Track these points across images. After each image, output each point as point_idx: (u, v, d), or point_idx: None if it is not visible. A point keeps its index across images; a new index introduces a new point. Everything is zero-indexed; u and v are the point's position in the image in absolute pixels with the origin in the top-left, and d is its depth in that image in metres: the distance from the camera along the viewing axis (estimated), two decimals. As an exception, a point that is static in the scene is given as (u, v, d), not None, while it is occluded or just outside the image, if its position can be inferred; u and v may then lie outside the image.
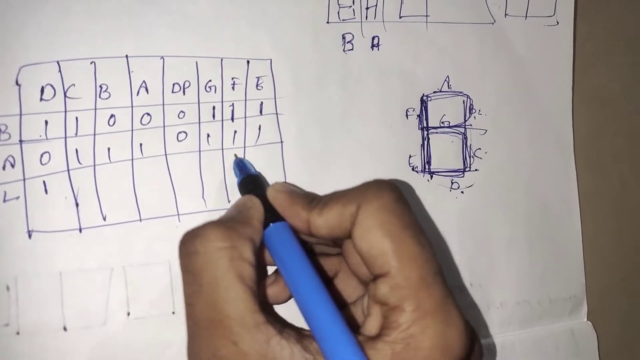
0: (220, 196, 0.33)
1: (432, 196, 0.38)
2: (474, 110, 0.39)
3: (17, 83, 0.30)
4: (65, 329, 0.30)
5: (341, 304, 0.29)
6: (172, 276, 0.32)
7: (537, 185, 0.40)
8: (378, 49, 0.37)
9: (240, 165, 0.32)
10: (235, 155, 0.33)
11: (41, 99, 0.31)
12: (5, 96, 0.30)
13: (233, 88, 0.34)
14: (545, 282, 0.41)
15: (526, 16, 0.40)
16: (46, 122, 0.31)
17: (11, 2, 0.31)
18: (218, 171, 0.33)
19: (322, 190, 0.35)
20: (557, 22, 0.40)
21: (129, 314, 0.31)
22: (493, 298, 0.39)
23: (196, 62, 0.33)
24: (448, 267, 0.38)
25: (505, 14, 0.40)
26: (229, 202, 0.33)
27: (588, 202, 0.42)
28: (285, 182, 0.34)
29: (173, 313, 0.32)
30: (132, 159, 0.32)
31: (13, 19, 0.30)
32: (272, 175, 0.34)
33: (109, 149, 0.32)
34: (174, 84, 0.33)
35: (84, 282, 0.31)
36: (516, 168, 0.40)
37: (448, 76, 0.39)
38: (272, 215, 0.27)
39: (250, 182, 0.30)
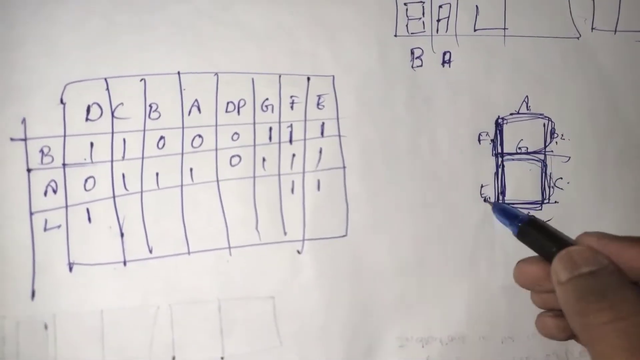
0: (276, 227, 0.30)
1: (506, 231, 0.34)
2: (555, 135, 0.35)
3: (61, 101, 0.29)
4: (105, 372, 0.27)
5: None
6: (222, 316, 0.29)
7: (626, 221, 0.36)
8: (449, 66, 0.34)
9: (505, 210, 0.29)
10: (488, 200, 0.31)
11: (87, 119, 0.29)
12: (48, 116, 0.28)
13: (292, 107, 0.31)
14: (632, 329, 0.36)
15: (615, 30, 0.36)
16: (92, 144, 0.29)
17: (57, 16, 0.29)
18: (274, 199, 0.30)
19: (386, 221, 0.32)
20: (652, 37, 0.36)
21: (174, 358, 0.29)
22: (572, 347, 0.35)
23: (252, 79, 0.31)
24: (523, 312, 0.34)
25: (592, 28, 0.36)
26: (285, 234, 0.30)
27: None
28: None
29: (222, 359, 0.29)
30: (182, 185, 0.29)
31: (58, 33, 0.29)
32: (333, 204, 0.31)
33: (157, 174, 0.29)
34: (228, 103, 0.30)
35: (127, 321, 0.28)
36: (602, 201, 0.35)
37: (527, 96, 0.35)
38: None
39: (538, 228, 0.27)
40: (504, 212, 0.29)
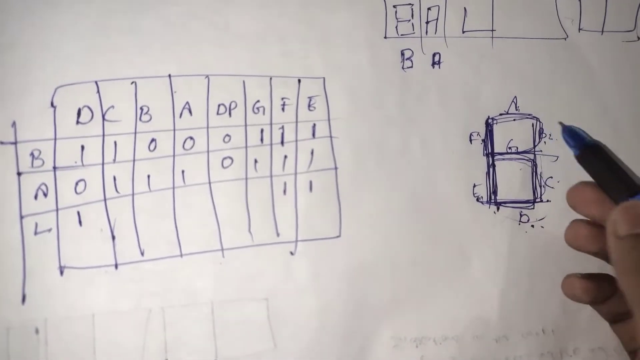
0: (268, 229, 0.30)
1: (499, 230, 0.34)
2: (544, 135, 0.35)
3: (52, 105, 0.28)
4: (97, 377, 0.27)
5: None
6: (215, 319, 0.29)
7: (616, 218, 0.36)
8: (439, 67, 0.34)
9: (573, 132, 0.26)
10: (560, 122, 0.28)
11: (78, 122, 0.29)
12: (39, 119, 0.28)
13: (283, 109, 0.31)
14: (624, 326, 0.36)
15: (602, 31, 0.36)
16: (82, 147, 0.28)
17: (48, 19, 0.29)
18: (266, 201, 0.30)
19: (379, 221, 0.32)
20: (638, 38, 0.36)
21: (167, 361, 0.28)
22: (566, 345, 0.35)
23: (243, 81, 0.31)
24: (517, 310, 0.34)
25: (579, 29, 0.36)
26: (278, 235, 0.30)
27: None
28: None
29: (215, 361, 0.29)
30: (174, 188, 0.29)
31: (49, 36, 0.29)
32: (325, 205, 0.31)
33: (148, 176, 0.29)
34: (219, 105, 0.30)
35: (119, 324, 0.28)
36: (591, 198, 0.36)
37: (516, 97, 0.35)
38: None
39: (600, 157, 0.25)
40: (572, 133, 0.27)
